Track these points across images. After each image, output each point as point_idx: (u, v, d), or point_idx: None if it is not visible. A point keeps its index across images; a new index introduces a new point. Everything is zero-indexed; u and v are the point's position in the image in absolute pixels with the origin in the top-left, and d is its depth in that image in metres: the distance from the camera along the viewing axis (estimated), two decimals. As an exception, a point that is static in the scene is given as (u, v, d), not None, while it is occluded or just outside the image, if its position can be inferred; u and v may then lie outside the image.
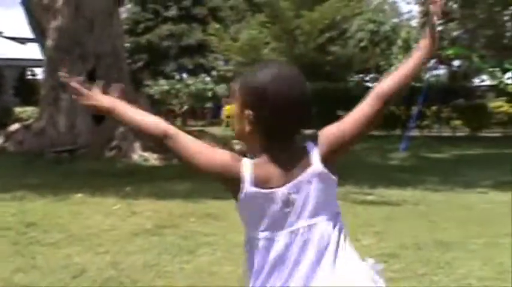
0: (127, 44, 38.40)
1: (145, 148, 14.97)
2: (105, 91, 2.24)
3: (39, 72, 19.52)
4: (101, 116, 16.10)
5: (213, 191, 10.34)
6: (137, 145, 15.04)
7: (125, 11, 45.78)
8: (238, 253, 5.97)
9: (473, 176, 12.54)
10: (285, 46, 30.14)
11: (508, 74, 31.98)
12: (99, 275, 5.19)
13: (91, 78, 15.45)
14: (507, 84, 28.67)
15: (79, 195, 9.64)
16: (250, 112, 1.97)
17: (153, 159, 14.52)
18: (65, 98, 16.04)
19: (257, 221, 2.00)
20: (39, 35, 17.62)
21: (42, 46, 17.03)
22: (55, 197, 9.37)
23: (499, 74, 30.74)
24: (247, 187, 1.98)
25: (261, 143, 2.01)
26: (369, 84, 36.10)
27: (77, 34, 16.25)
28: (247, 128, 2.01)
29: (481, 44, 36.32)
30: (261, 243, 1.99)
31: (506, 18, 37.83)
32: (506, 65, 30.37)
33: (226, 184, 2.05)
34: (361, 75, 42.33)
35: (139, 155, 14.74)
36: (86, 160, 14.27)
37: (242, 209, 2.03)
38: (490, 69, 29.88)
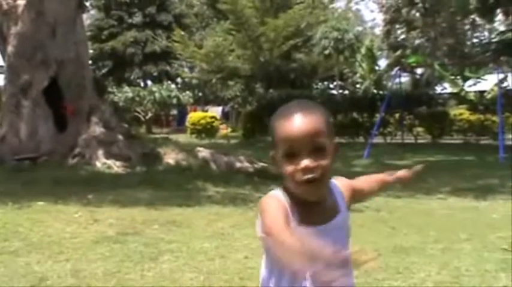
0: (91, 51, 38.14)
1: (108, 156, 14.88)
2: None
3: (0, 79, 19.25)
4: (63, 123, 15.99)
5: (176, 198, 10.37)
6: (100, 153, 14.94)
7: (88, 18, 45.53)
8: (201, 260, 6.00)
9: (434, 183, 12.72)
10: (250, 53, 30.25)
11: (469, 82, 32.53)
12: (58, 284, 5.15)
13: (53, 85, 15.35)
14: (468, 92, 29.13)
15: (40, 203, 9.55)
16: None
17: (116, 167, 14.43)
18: (26, 105, 15.88)
19: None
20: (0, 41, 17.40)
21: (3, 52, 16.80)
22: (15, 205, 9.26)
23: (460, 82, 31.25)
24: None
25: None
26: (333, 92, 36.39)
27: (38, 40, 16.08)
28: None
29: (442, 52, 36.87)
30: None
31: (467, 27, 38.49)
32: (467, 73, 30.88)
33: None
34: (325, 83, 42.67)
35: (103, 162, 14.64)
36: (48, 167, 14.11)
37: None
38: (452, 77, 30.34)
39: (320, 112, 2.00)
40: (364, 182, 2.32)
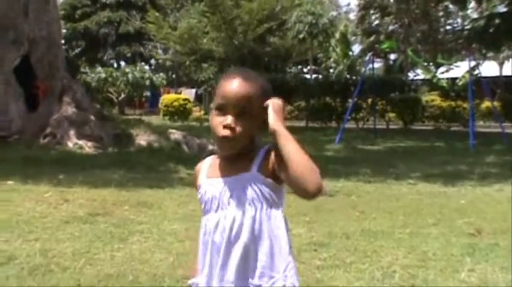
0: (64, 30, 37.77)
1: (80, 136, 14.80)
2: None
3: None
4: (35, 103, 15.84)
5: (147, 180, 10.37)
6: (72, 133, 14.85)
7: (61, -4, 44.99)
8: (170, 241, 6.02)
9: (404, 168, 12.87)
10: (224, 36, 30.15)
11: (441, 69, 32.79)
12: (27, 263, 5.13)
13: (25, 63, 15.16)
14: (440, 78, 29.36)
15: (10, 182, 9.49)
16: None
17: (87, 147, 14.37)
18: (-3, 83, 15.71)
19: None
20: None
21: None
22: (-15, 184, 9.20)
23: (432, 68, 31.48)
24: None
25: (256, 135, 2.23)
26: (307, 76, 36.47)
27: (10, 18, 15.88)
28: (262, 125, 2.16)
29: (415, 39, 37.11)
30: None
31: (440, 14, 38.74)
32: (440, 60, 31.12)
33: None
34: (299, 67, 42.73)
35: (74, 143, 14.56)
36: (19, 147, 14.00)
37: None
38: (424, 64, 30.55)
39: (257, 82, 2.20)
40: None
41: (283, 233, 2.14)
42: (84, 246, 5.74)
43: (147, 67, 47.08)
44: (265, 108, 2.12)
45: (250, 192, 2.12)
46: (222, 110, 2.15)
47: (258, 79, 2.21)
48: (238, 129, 2.12)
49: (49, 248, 5.61)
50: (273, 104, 2.13)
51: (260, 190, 2.13)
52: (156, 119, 28.34)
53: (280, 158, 2.06)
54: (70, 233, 6.25)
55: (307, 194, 2.02)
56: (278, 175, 2.12)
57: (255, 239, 2.10)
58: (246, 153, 2.17)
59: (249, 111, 2.13)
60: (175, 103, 32.39)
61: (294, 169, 2.01)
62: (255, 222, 2.11)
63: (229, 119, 2.12)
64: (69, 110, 15.56)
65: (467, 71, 23.35)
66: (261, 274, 2.09)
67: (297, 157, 2.02)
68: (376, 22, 41.20)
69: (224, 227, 2.12)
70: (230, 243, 2.10)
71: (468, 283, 4.87)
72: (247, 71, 2.27)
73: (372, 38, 40.18)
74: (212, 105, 2.27)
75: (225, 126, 2.12)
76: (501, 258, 5.50)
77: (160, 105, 34.17)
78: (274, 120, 2.09)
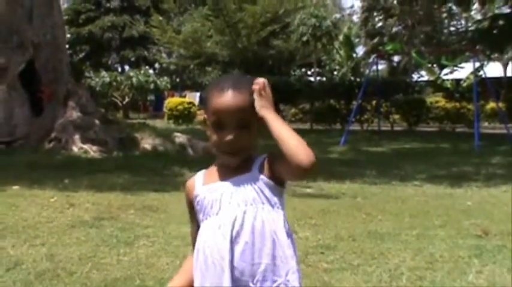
0: (68, 35, 37.85)
1: (85, 140, 14.82)
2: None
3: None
4: (40, 108, 15.86)
5: (152, 183, 10.37)
6: (77, 137, 14.86)
7: (65, 1, 45.11)
8: (177, 245, 6.01)
9: (410, 170, 12.84)
10: (227, 39, 30.17)
11: (445, 70, 32.74)
12: (34, 268, 5.13)
13: (30, 68, 15.21)
14: (444, 80, 29.32)
15: (15, 187, 9.49)
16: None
17: (92, 151, 14.38)
18: (2, 88, 15.73)
19: None
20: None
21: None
22: (-9, 190, 9.20)
23: (436, 70, 31.44)
24: None
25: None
26: (311, 79, 36.45)
27: (15, 23, 15.93)
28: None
29: (419, 40, 37.07)
30: None
31: (444, 15, 38.71)
32: (444, 61, 31.08)
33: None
34: (303, 69, 42.69)
35: (79, 147, 14.58)
36: (24, 151, 14.02)
37: None
38: (428, 65, 30.52)
39: (249, 87, 2.12)
40: None
41: (285, 236, 2.12)
42: (91, 250, 5.74)
43: (151, 71, 47.07)
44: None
45: (251, 191, 2.11)
46: (220, 126, 2.11)
47: (248, 83, 2.14)
48: (241, 142, 2.10)
49: (55, 253, 5.61)
50: (257, 87, 2.09)
51: (261, 190, 2.12)
52: (160, 123, 28.35)
53: (277, 156, 2.07)
54: (76, 238, 6.25)
55: (301, 166, 1.99)
56: (278, 177, 2.12)
57: (256, 238, 2.07)
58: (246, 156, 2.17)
59: (248, 121, 2.10)
60: (180, 107, 32.37)
61: (286, 146, 2.00)
62: (256, 220, 2.08)
63: (231, 136, 2.09)
64: (74, 114, 15.58)
65: (472, 72, 23.31)
66: (264, 277, 2.06)
67: (287, 134, 2.02)
68: (380, 24, 41.17)
69: (226, 227, 2.08)
70: (231, 243, 2.06)
71: (476, 285, 4.86)
72: (234, 77, 2.26)
73: (375, 40, 40.13)
74: (205, 118, 2.20)
75: (227, 144, 2.10)
76: (509, 259, 5.48)
77: (164, 109, 34.17)
78: (259, 106, 2.07)
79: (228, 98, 2.09)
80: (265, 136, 2.13)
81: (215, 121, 2.11)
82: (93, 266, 5.25)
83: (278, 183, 2.14)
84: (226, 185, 2.15)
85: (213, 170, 2.25)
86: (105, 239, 6.17)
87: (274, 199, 2.13)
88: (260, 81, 2.11)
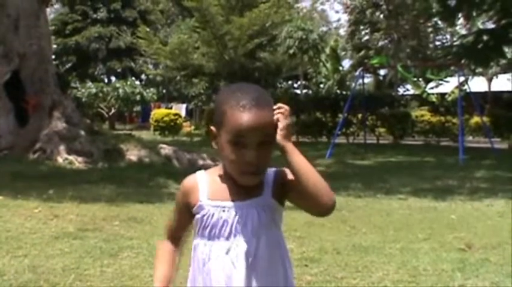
0: (54, 46, 37.76)
1: (70, 151, 14.76)
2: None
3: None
4: (25, 118, 15.79)
5: (137, 195, 10.34)
6: (62, 148, 14.80)
7: (52, 12, 45.01)
8: (160, 256, 5.97)
9: (395, 183, 12.89)
10: (214, 51, 30.19)
11: (431, 84, 32.94)
12: (15, 279, 5.10)
13: (15, 78, 15.14)
14: (429, 94, 29.49)
15: (-1, 198, 9.45)
16: None
17: (77, 162, 14.33)
18: (-13, 98, 15.67)
19: None
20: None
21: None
22: (-26, 200, 9.14)
23: (422, 83, 31.62)
24: None
25: None
26: (297, 91, 36.55)
27: (0, 33, 15.89)
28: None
29: (405, 54, 37.29)
30: None
31: (429, 30, 39.00)
32: (429, 75, 31.27)
33: None
34: (289, 82, 42.83)
35: (64, 158, 14.51)
36: (8, 162, 13.94)
37: None
38: (414, 79, 30.69)
39: (270, 102, 2.02)
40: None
41: (289, 255, 2.14)
42: (74, 262, 5.71)
43: (137, 82, 47.09)
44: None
45: (265, 218, 2.05)
46: (241, 144, 1.96)
47: (268, 97, 2.04)
48: (264, 161, 2.00)
49: (38, 264, 5.58)
50: (283, 115, 1.98)
51: (272, 215, 2.07)
52: (146, 134, 28.30)
53: (290, 179, 2.02)
54: (60, 249, 6.21)
55: (322, 208, 1.98)
56: (285, 197, 2.08)
57: (271, 265, 2.05)
58: None
59: (270, 139, 1.98)
60: (166, 118, 32.39)
61: (305, 184, 1.95)
62: (271, 247, 2.05)
63: (253, 156, 1.96)
64: (59, 125, 15.53)
65: (457, 87, 23.45)
66: None
67: (308, 171, 1.97)
68: (366, 38, 41.38)
69: (237, 255, 2.01)
70: (247, 271, 2.00)
71: (459, 298, 4.88)
72: (251, 89, 2.06)
73: (361, 54, 40.33)
74: (215, 130, 2.06)
75: (248, 164, 1.98)
76: (491, 273, 5.51)
77: (150, 121, 34.16)
78: (282, 135, 1.97)
79: (253, 116, 1.95)
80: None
81: (235, 140, 1.97)
82: (76, 277, 5.22)
83: (282, 203, 2.11)
84: (239, 208, 2.05)
85: (218, 181, 2.11)
86: (88, 251, 6.15)
87: (279, 221, 2.11)
88: (286, 108, 2.00)
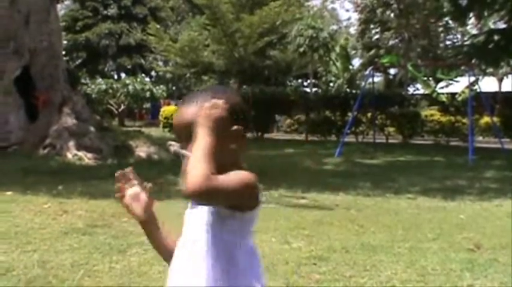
0: (64, 42, 37.80)
1: (79, 147, 14.81)
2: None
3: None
4: (35, 113, 15.85)
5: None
6: (71, 144, 14.85)
7: (63, 8, 45.13)
8: (169, 253, 5.98)
9: (404, 182, 12.86)
10: (224, 49, 30.15)
11: (441, 84, 32.83)
12: (25, 274, 5.12)
13: (26, 74, 15.22)
14: (439, 93, 29.38)
15: (9, 193, 9.47)
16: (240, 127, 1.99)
17: (87, 158, 14.37)
18: (-3, 94, 15.74)
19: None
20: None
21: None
22: (-16, 195, 9.18)
23: (432, 83, 31.51)
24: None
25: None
26: (307, 90, 36.51)
27: (11, 29, 15.94)
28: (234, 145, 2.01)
29: (415, 54, 37.21)
30: None
31: (440, 29, 38.88)
32: (439, 75, 31.16)
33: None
34: (299, 80, 42.80)
35: (74, 153, 14.56)
36: (18, 157, 14.00)
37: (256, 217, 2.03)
38: (424, 79, 30.60)
39: (201, 102, 1.95)
40: None
41: None
42: (83, 257, 5.73)
43: (147, 79, 47.10)
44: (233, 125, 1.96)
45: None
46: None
47: (204, 95, 1.99)
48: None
49: (47, 260, 5.60)
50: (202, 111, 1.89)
51: None
52: (156, 131, 28.33)
53: None
54: (69, 245, 6.23)
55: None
56: None
57: None
58: None
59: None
60: (175, 115, 32.36)
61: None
62: None
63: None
64: (69, 121, 15.57)
65: (467, 86, 23.36)
66: None
67: (191, 157, 1.93)
68: (377, 37, 41.33)
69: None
70: None
71: (467, 299, 4.86)
72: (203, 90, 2.09)
73: (372, 53, 40.28)
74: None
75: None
76: (500, 273, 5.50)
77: (160, 117, 34.19)
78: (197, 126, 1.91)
79: (178, 112, 2.07)
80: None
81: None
82: (85, 273, 5.24)
83: None
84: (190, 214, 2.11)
85: None
86: (97, 247, 6.16)
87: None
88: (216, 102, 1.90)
